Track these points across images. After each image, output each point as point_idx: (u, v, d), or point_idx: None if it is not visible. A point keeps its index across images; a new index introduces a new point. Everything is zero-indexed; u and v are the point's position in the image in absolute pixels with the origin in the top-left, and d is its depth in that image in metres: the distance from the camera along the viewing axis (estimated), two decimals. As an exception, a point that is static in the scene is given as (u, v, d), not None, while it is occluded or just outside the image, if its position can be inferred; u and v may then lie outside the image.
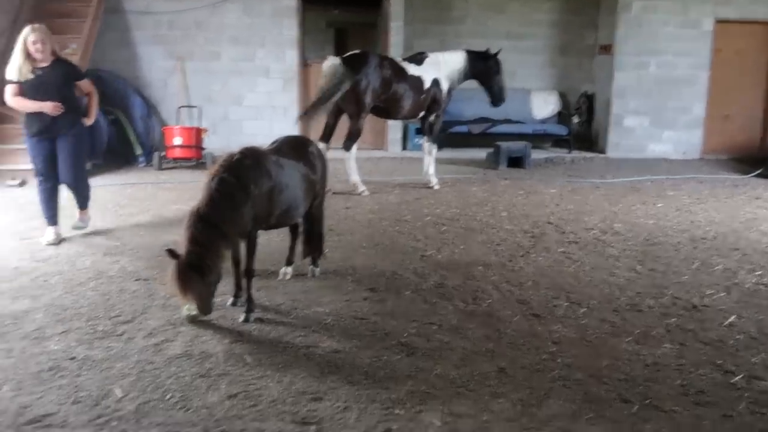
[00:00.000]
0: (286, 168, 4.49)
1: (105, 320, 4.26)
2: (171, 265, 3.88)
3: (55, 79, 5.86)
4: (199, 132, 10.48)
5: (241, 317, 4.29)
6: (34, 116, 5.83)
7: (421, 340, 4.06)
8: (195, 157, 10.37)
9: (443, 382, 3.52)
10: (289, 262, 5.15)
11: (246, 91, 11.86)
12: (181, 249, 3.92)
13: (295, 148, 4.80)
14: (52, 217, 6.04)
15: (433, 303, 4.68)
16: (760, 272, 5.47)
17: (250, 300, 4.37)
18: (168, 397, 3.29)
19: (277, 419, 3.10)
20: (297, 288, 4.86)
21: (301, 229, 5.08)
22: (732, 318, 4.48)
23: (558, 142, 12.75)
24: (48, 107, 5.75)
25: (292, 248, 5.15)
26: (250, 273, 4.35)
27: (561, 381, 3.59)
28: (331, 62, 8.14)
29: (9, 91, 5.84)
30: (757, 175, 10.30)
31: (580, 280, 5.21)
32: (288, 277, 5.08)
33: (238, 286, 4.52)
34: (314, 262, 5.22)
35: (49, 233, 5.99)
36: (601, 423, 3.17)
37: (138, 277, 5.09)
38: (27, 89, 5.77)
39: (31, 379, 3.44)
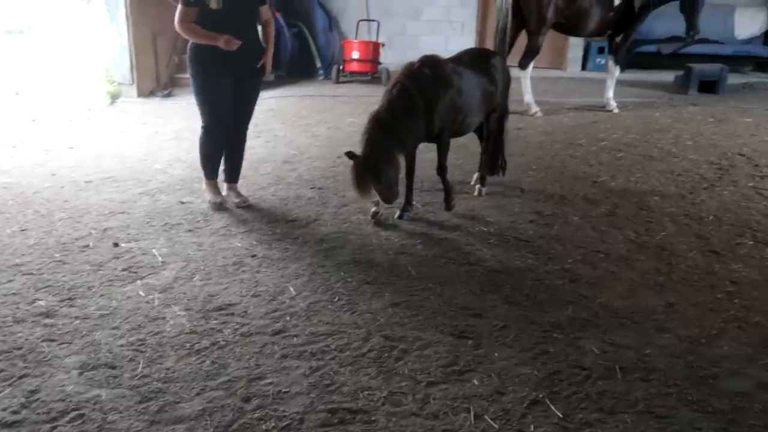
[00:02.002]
0: (464, 77, 4.57)
1: (282, 223, 4.58)
2: (351, 164, 4.20)
3: (246, 4, 4.54)
4: (376, 46, 10.62)
5: (396, 214, 4.63)
6: (217, 48, 4.42)
7: (586, 268, 3.97)
8: (371, 71, 10.56)
9: (606, 312, 3.45)
10: (481, 179, 5.25)
11: (424, 5, 11.75)
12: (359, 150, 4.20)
13: (476, 59, 4.87)
14: (216, 169, 4.95)
15: (601, 231, 4.54)
16: None
17: (448, 193, 4.75)
18: (336, 299, 3.52)
19: (436, 330, 3.22)
20: (463, 206, 4.90)
21: (483, 146, 5.15)
22: None
23: (762, 65, 11.47)
24: (236, 44, 4.42)
25: (482, 164, 5.24)
26: (442, 169, 4.65)
27: (736, 322, 3.38)
28: None
29: (183, 16, 4.43)
30: None
31: (770, 219, 4.79)
32: (483, 193, 5.19)
33: (408, 198, 4.69)
34: (482, 182, 5.22)
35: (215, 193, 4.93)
36: (778, 370, 2.97)
37: (313, 186, 5.39)
38: (212, 18, 4.41)
39: (218, 272, 3.82)
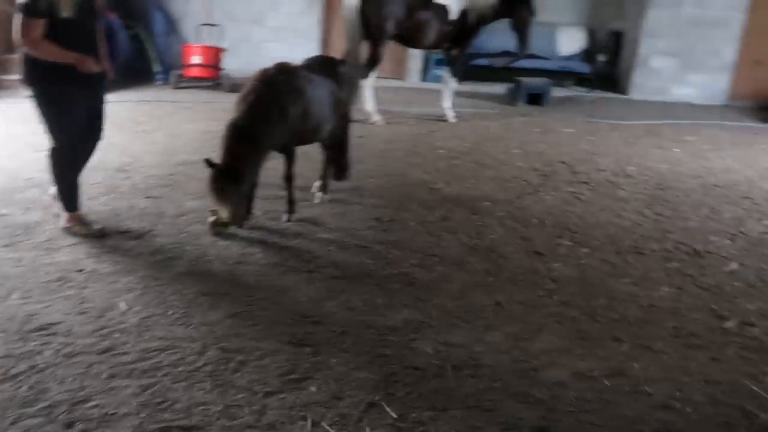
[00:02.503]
0: (316, 84, 4.63)
1: (114, 235, 4.35)
2: (208, 174, 4.09)
3: (95, 10, 4.02)
4: (218, 52, 10.39)
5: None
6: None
7: (421, 272, 4.12)
8: (213, 77, 10.32)
9: (439, 313, 3.60)
10: (323, 187, 5.29)
11: (268, 11, 11.68)
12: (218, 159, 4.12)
13: (325, 66, 4.95)
14: (77, 198, 4.33)
15: (437, 235, 4.73)
16: (767, 221, 5.44)
17: (291, 202, 4.77)
18: (170, 312, 3.40)
19: (274, 339, 3.20)
20: (303, 214, 4.91)
21: (327, 153, 5.20)
22: (733, 265, 4.50)
23: (581, 80, 12.48)
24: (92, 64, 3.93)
25: (325, 171, 5.27)
26: (289, 179, 4.67)
27: (555, 317, 3.65)
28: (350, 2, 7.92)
29: (30, 30, 3.72)
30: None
31: (585, 221, 5.22)
32: (324, 200, 5.23)
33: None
34: (323, 189, 5.27)
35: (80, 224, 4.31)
36: (590, 359, 3.24)
37: (148, 195, 5.17)
38: (63, 28, 3.79)
39: (39, 289, 3.56)
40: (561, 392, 2.96)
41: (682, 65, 11.93)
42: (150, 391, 2.74)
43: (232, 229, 4.45)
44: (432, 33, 8.37)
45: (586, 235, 4.91)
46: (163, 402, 2.68)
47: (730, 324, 3.69)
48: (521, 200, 5.64)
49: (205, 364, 2.96)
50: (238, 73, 9.53)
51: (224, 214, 4.23)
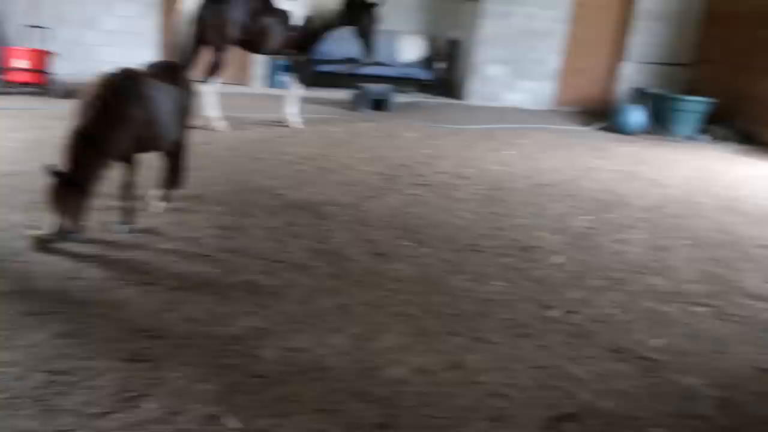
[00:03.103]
0: (162, 91, 4.52)
1: None
2: (50, 181, 3.86)
3: None
4: (46, 55, 9.71)
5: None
6: None
7: (266, 278, 4.09)
8: (40, 82, 9.62)
9: (284, 319, 3.60)
10: (163, 195, 5.08)
11: (102, 14, 11.08)
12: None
13: (166, 72, 4.82)
14: None
15: (282, 241, 4.72)
16: (588, 217, 5.94)
17: (130, 212, 4.61)
18: (-10, 335, 3.14)
19: (108, 357, 3.05)
20: (141, 223, 4.71)
21: (166, 160, 5.01)
22: (558, 258, 4.87)
23: (423, 86, 12.96)
24: None
25: (164, 179, 5.07)
26: (129, 187, 4.53)
27: (398, 316, 3.77)
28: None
29: None
30: (601, 129, 11.03)
31: (426, 221, 5.43)
32: (162, 209, 5.02)
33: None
34: (164, 197, 5.08)
35: None
36: (430, 354, 3.38)
37: (-36, 210, 4.74)
38: None
39: None
40: (402, 389, 3.06)
41: (513, 73, 12.72)
42: (-35, 423, 2.52)
43: (61, 243, 4.18)
44: (275, 39, 8.35)
45: (426, 235, 5.10)
46: (-19, 433, 2.47)
47: (555, 313, 3.99)
48: (365, 203, 5.77)
49: (30, 389, 2.76)
50: (70, 78, 8.97)
51: (67, 224, 4.01)
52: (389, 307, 3.87)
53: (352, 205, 5.69)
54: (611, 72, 12.97)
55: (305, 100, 9.54)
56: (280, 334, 3.43)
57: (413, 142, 8.58)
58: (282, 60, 10.65)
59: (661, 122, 11.13)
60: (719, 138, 10.82)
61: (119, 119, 4.10)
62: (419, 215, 5.58)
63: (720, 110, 10.94)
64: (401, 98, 11.47)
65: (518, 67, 12.68)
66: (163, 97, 4.53)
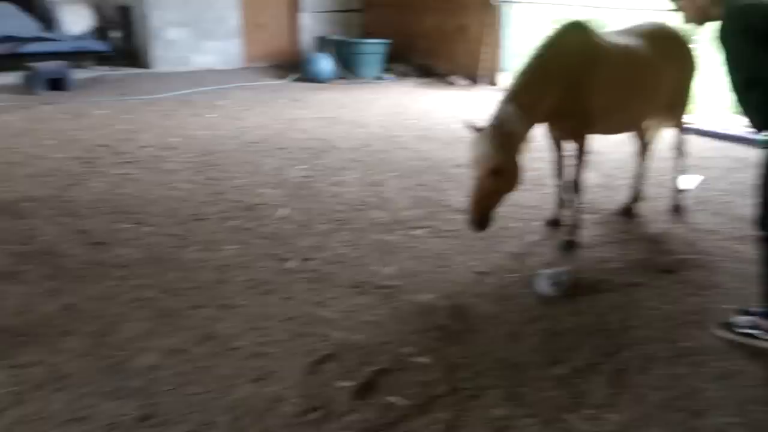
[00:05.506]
0: None
1: None
2: None
3: None
4: None
5: None
6: None
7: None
8: None
9: (3, 337, 3.18)
10: None
11: None
12: None
13: None
14: None
15: (-25, 252, 4.12)
16: (302, 166, 6.11)
17: None
18: None
19: None
20: None
21: None
22: (283, 211, 4.95)
23: (101, 59, 11.95)
24: None
25: None
26: None
27: (133, 303, 3.55)
28: None
29: None
30: (296, 80, 11.29)
31: (141, 200, 5.12)
32: None
33: None
34: None
35: None
36: (178, 334, 3.25)
37: None
38: None
39: None
40: (157, 374, 2.92)
41: (195, 34, 12.29)
42: None
43: None
44: None
45: (145, 214, 4.83)
46: None
47: (292, 264, 4.08)
48: (68, 192, 5.25)
49: None
50: None
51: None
52: (122, 296, 3.62)
53: (52, 197, 5.13)
54: (292, 24, 13.25)
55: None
56: (2, 353, 3.03)
57: (106, 119, 7.95)
58: None
59: (347, 66, 11.73)
60: (401, 75, 11.77)
61: None
62: (133, 194, 5.25)
63: (397, 49, 11.86)
64: (80, 74, 10.50)
65: (200, 27, 12.29)
66: None
